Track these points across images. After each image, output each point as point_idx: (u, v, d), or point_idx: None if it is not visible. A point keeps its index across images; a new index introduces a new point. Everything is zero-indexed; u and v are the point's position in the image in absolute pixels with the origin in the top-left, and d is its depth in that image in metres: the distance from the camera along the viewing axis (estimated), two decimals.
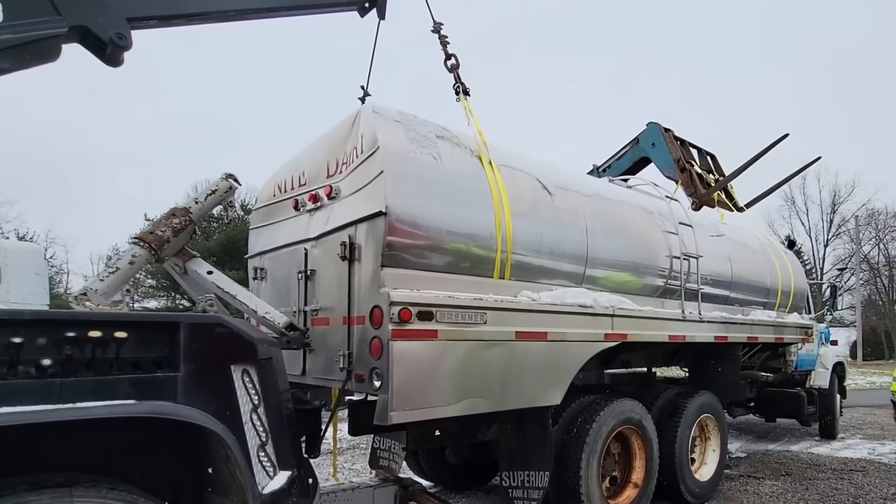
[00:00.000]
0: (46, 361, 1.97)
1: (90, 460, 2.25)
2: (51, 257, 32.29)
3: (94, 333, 2.07)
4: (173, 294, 24.90)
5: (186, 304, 22.28)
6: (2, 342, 1.90)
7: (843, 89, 63.07)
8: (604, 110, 73.21)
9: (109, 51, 2.80)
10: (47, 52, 2.71)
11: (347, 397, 4.17)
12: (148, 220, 25.30)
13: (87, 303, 2.87)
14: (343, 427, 5.06)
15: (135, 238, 3.12)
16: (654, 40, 73.50)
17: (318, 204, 3.89)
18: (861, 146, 61.13)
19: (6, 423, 1.81)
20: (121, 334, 2.14)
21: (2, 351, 1.90)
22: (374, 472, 4.95)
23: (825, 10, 66.28)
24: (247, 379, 2.52)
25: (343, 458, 7.29)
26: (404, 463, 5.17)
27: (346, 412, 4.05)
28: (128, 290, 3.02)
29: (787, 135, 6.72)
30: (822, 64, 66.13)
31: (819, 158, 8.36)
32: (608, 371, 6.09)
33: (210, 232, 24.46)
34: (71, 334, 2.02)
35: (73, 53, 2.82)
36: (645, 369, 6.76)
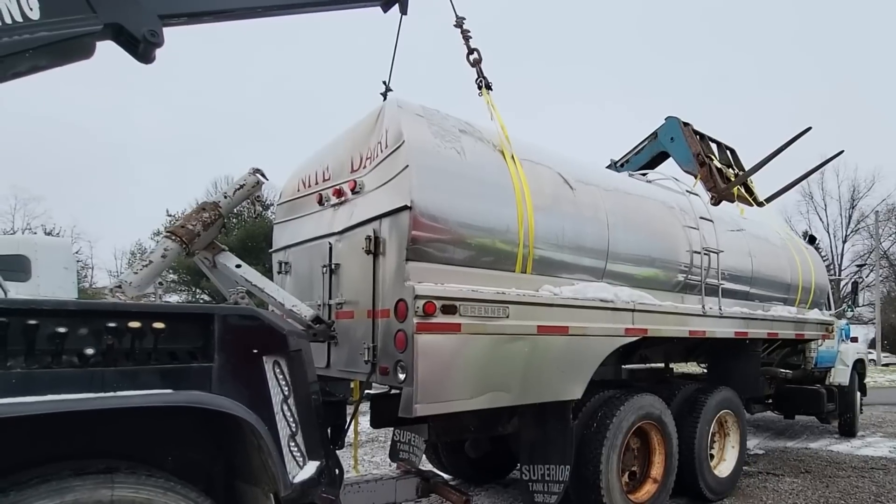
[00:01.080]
0: (89, 351, 2.02)
1: (127, 448, 2.31)
2: (76, 252, 32.82)
3: (134, 324, 2.11)
4: (194, 289, 25.19)
5: (207, 298, 22.52)
6: (48, 331, 1.95)
7: (864, 82, 61.88)
8: (618, 108, 72.61)
9: (142, 48, 2.84)
10: (82, 50, 2.76)
11: (367, 391, 4.21)
12: (170, 215, 25.58)
13: (121, 295, 2.94)
14: (363, 420, 5.12)
15: (167, 232, 3.18)
16: (674, 32, 72.68)
17: (343, 198, 3.93)
18: (882, 139, 60.01)
19: (54, 410, 1.87)
20: (159, 325, 2.18)
21: (48, 340, 1.95)
22: (394, 464, 5.00)
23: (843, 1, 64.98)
24: (278, 370, 2.56)
25: (362, 451, 7.36)
26: (424, 456, 5.21)
27: (366, 405, 4.09)
28: (160, 283, 3.08)
29: (809, 128, 6.65)
30: (843, 56, 64.96)
31: (842, 152, 8.28)
32: (626, 366, 6.09)
33: (229, 228, 24.70)
34: (112, 325, 2.07)
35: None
36: (662, 365, 6.74)
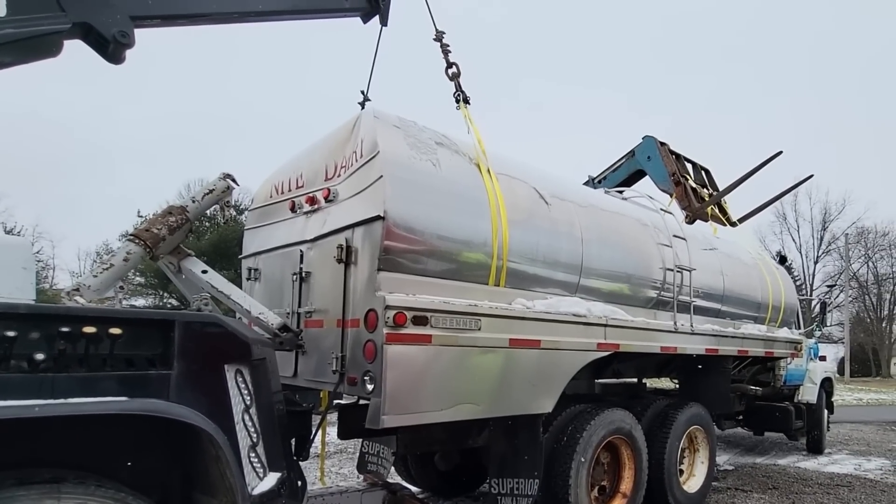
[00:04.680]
0: (39, 356, 1.95)
1: (78, 457, 2.24)
2: (37, 252, 31.77)
3: (89, 329, 2.06)
4: (161, 293, 24.68)
5: (175, 303, 22.10)
6: None
7: (835, 109, 64.04)
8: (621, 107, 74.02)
9: (112, 48, 2.80)
10: (49, 48, 2.71)
11: (336, 401, 4.15)
12: (141, 216, 25.07)
13: (79, 298, 2.85)
14: (331, 431, 5.04)
15: (130, 235, 3.11)
16: (681, 48, 74.87)
17: (316, 206, 3.90)
18: (852, 165, 62.03)
19: None
20: (115, 331, 2.13)
21: None
22: (362, 476, 4.93)
23: (818, 29, 67.41)
24: (240, 379, 2.52)
25: (330, 462, 7.25)
26: (393, 468, 5.15)
27: (335, 416, 4.03)
28: (121, 287, 3.00)
29: (780, 152, 6.83)
30: (814, 84, 67.20)
31: (811, 176, 8.53)
32: (599, 381, 6.11)
33: (202, 232, 24.28)
34: (65, 329, 2.01)
35: (74, 46, 2.83)
36: (635, 380, 6.79)
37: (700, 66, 75.00)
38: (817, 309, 11.52)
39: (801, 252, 45.87)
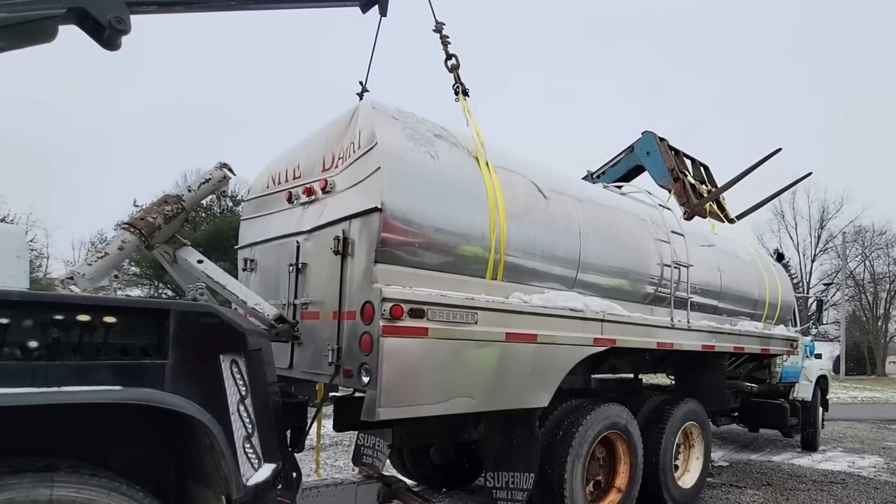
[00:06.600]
0: (33, 344, 1.94)
1: (71, 446, 2.22)
2: (31, 241, 31.48)
3: (83, 317, 2.04)
4: (157, 283, 24.58)
5: (171, 293, 22.03)
6: None
7: (834, 108, 64.07)
8: (632, 109, 74.05)
9: (107, 34, 2.77)
10: (43, 33, 2.68)
11: (332, 393, 4.15)
12: (137, 206, 24.93)
13: (73, 287, 2.83)
14: (327, 423, 5.05)
15: (125, 223, 3.09)
16: (688, 51, 74.97)
17: (313, 197, 3.88)
18: (850, 164, 62.18)
19: None
20: (109, 319, 2.11)
21: None
22: (357, 469, 4.93)
23: (817, 29, 67.37)
24: (235, 369, 2.50)
25: (325, 455, 7.26)
26: (388, 461, 5.15)
27: (331, 408, 4.03)
28: (115, 276, 2.98)
29: (779, 149, 6.81)
30: (814, 83, 67.21)
31: (810, 174, 8.49)
32: (595, 376, 6.12)
33: (198, 222, 24.17)
34: (59, 317, 1.99)
35: (72, 33, 2.80)
36: (632, 375, 6.80)
37: (705, 67, 75.09)
38: (814, 307, 11.56)
39: (798, 250, 46.09)
